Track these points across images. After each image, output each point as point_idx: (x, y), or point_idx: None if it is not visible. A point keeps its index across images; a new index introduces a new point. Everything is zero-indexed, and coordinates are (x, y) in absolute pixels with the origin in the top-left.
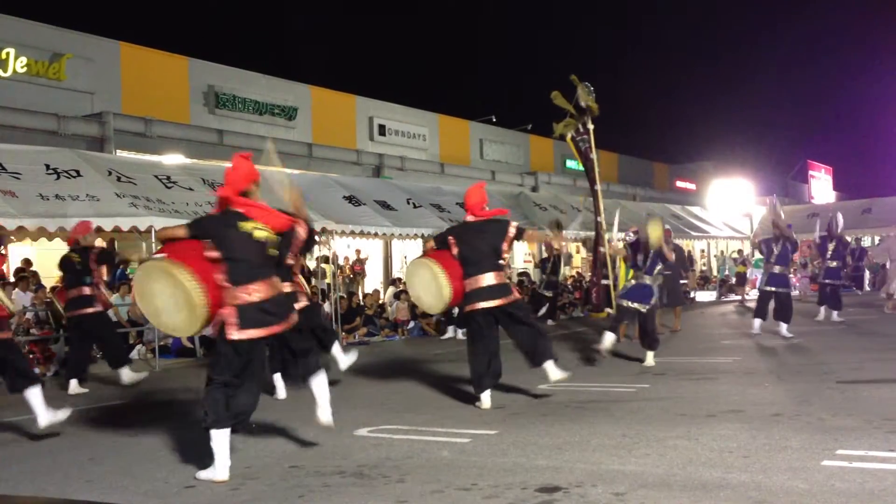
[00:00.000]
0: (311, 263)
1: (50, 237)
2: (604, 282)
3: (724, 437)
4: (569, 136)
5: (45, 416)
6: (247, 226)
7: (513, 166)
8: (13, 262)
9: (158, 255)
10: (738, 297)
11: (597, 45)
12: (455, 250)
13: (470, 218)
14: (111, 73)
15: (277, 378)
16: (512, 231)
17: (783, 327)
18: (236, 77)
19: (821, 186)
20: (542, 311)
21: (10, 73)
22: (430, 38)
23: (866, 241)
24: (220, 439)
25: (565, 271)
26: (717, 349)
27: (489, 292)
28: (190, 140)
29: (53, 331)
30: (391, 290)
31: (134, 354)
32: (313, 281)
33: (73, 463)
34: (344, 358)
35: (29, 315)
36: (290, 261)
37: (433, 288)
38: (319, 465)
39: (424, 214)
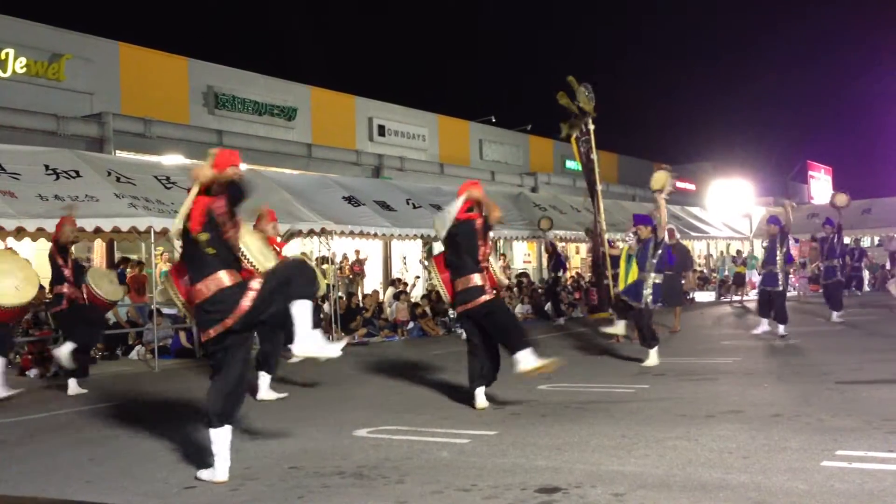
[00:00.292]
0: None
1: (50, 238)
2: (604, 282)
3: (723, 437)
4: (573, 137)
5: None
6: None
7: (512, 167)
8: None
9: None
10: (738, 298)
11: (597, 45)
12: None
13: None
14: (110, 73)
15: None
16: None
17: (780, 328)
18: (236, 77)
19: (821, 187)
20: (547, 307)
21: (9, 73)
22: (430, 38)
23: (866, 242)
24: (221, 439)
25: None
26: (716, 350)
27: (472, 293)
28: (189, 140)
29: (53, 331)
30: (390, 290)
31: (133, 355)
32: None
33: (73, 463)
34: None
35: (28, 316)
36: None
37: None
38: (319, 466)
39: (424, 215)
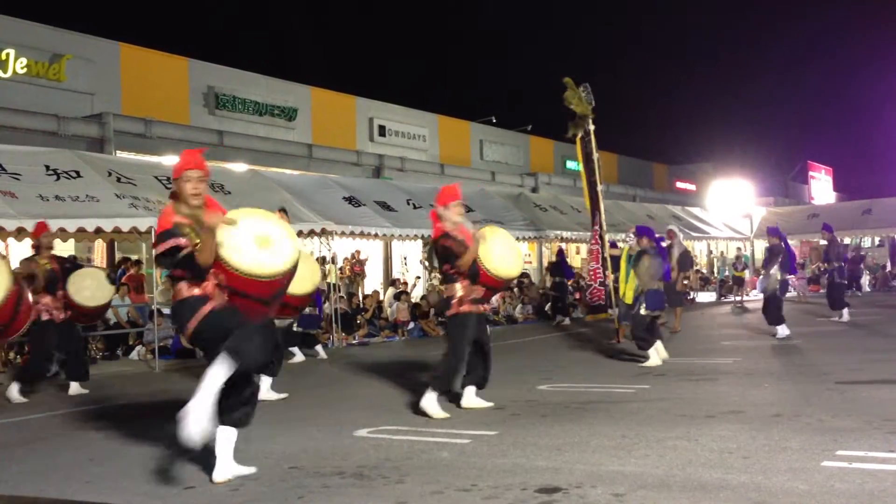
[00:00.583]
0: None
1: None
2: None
3: (723, 437)
4: (578, 137)
5: None
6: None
7: (513, 167)
8: (13, 262)
9: None
10: (738, 298)
11: (597, 45)
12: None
13: None
14: (111, 73)
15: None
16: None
17: (775, 328)
18: (236, 78)
19: (821, 187)
20: (547, 307)
21: (10, 73)
22: (430, 39)
23: (866, 242)
24: (223, 439)
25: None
26: (716, 350)
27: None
28: (190, 141)
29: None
30: (391, 290)
31: (134, 355)
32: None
33: (73, 463)
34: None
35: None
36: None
37: (516, 252)
38: (319, 466)
39: (424, 215)
